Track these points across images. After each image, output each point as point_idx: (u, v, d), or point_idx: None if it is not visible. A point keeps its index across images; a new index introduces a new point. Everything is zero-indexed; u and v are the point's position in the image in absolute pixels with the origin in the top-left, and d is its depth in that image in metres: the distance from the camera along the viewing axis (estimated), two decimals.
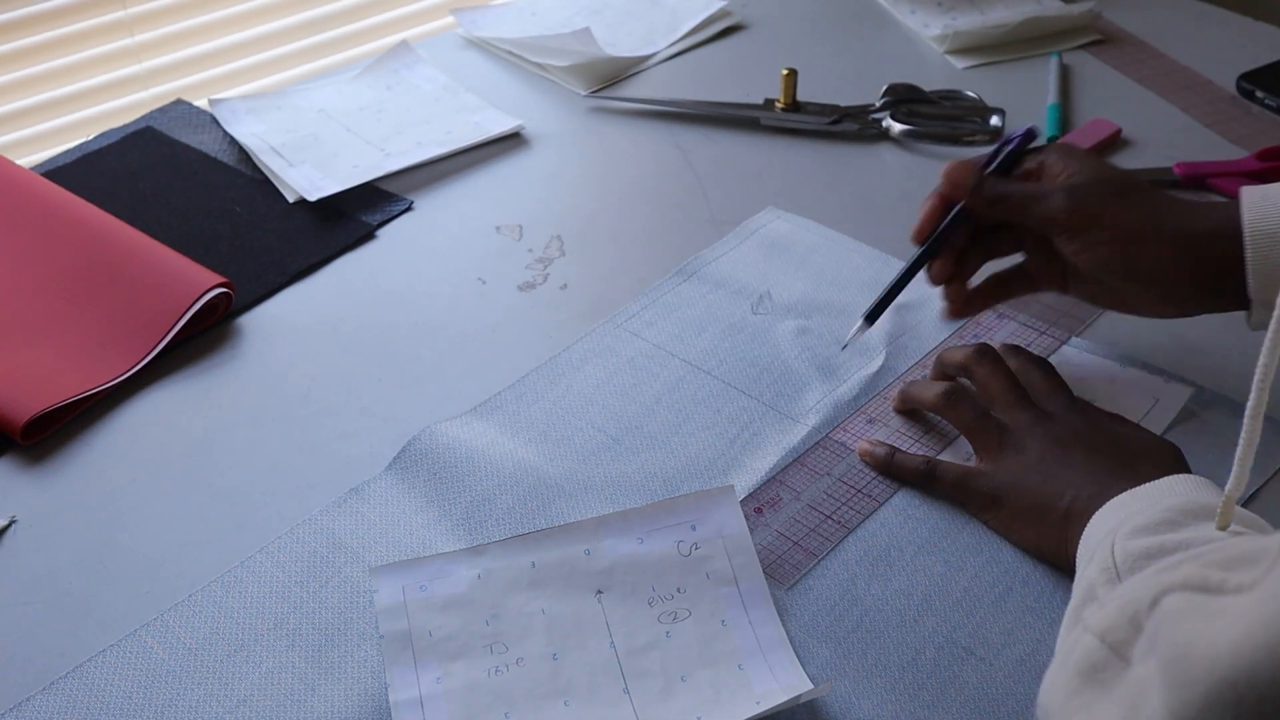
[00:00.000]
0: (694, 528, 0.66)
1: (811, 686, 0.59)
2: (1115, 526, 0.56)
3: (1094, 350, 0.79)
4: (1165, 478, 0.60)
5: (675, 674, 0.61)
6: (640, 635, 0.62)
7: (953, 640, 0.63)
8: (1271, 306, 0.64)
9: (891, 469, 0.71)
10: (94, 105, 1.38)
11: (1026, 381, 0.71)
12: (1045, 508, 0.65)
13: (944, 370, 0.75)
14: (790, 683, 0.60)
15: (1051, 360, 0.77)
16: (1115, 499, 0.60)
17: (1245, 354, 0.79)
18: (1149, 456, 0.65)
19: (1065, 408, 0.69)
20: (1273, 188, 0.69)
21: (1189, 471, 0.64)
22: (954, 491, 0.69)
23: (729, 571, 0.64)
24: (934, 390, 0.72)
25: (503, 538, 0.66)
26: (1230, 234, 0.68)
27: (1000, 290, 0.78)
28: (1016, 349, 0.74)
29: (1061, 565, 0.64)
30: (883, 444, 0.72)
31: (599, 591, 0.64)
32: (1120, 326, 0.80)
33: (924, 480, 0.70)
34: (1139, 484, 0.60)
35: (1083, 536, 0.60)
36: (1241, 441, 0.49)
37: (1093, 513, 0.61)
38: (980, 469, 0.69)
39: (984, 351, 0.72)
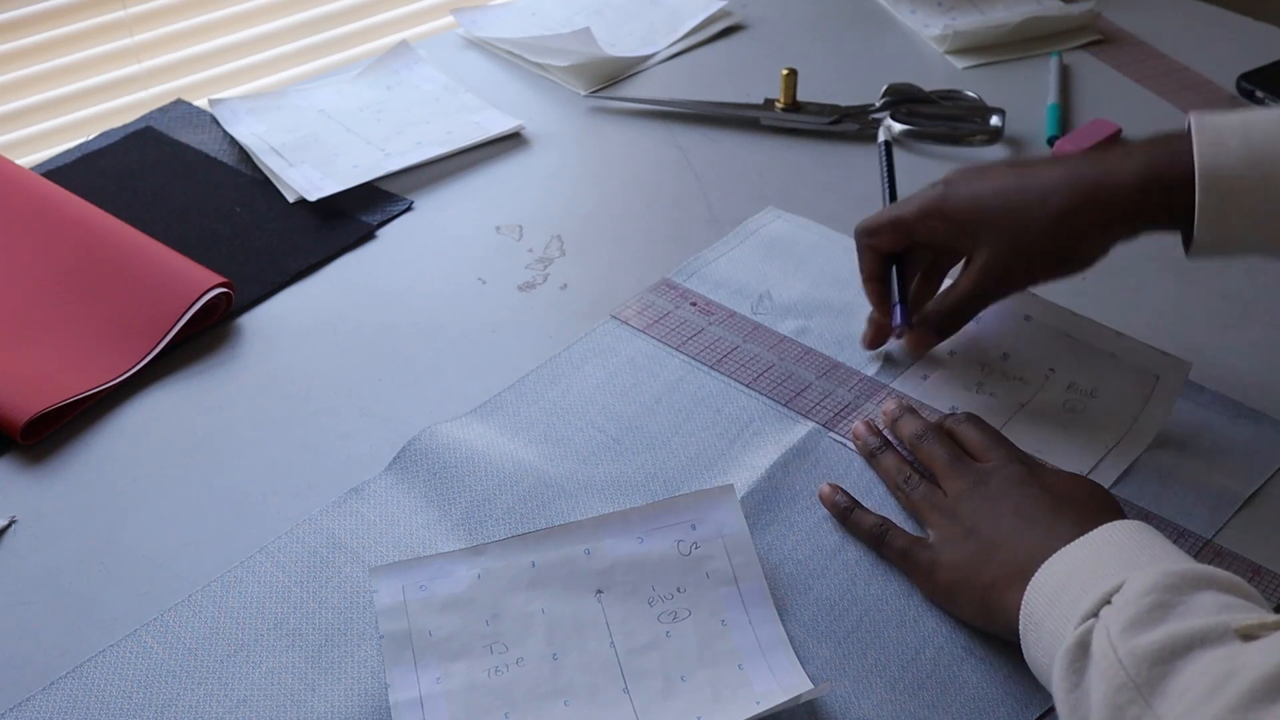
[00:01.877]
0: (694, 527, 0.66)
1: (811, 686, 0.59)
2: (1075, 606, 0.54)
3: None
4: (1099, 528, 0.58)
5: (675, 674, 0.61)
6: (640, 635, 0.62)
7: (953, 640, 0.63)
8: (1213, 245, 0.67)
9: (847, 523, 0.69)
10: (94, 105, 1.38)
11: (964, 440, 0.70)
12: (966, 581, 0.63)
13: (904, 440, 0.72)
14: (790, 683, 0.60)
15: (1050, 341, 0.78)
16: (1050, 563, 0.58)
17: (1246, 354, 0.79)
18: (1080, 505, 0.63)
19: (1004, 459, 0.67)
20: (1219, 117, 0.67)
21: (1122, 515, 0.62)
22: (898, 560, 0.66)
23: (729, 571, 0.64)
24: (891, 474, 0.70)
25: (503, 538, 0.66)
26: (1144, 185, 0.67)
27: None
28: (956, 415, 0.72)
29: (991, 632, 0.63)
30: (844, 493, 0.69)
31: (599, 591, 0.64)
32: (1119, 325, 0.80)
33: (874, 542, 0.67)
34: (1069, 535, 0.58)
35: (1024, 605, 0.58)
36: None
37: (1024, 578, 0.58)
38: (925, 540, 0.66)
39: (923, 431, 0.71)
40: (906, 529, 0.68)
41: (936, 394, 0.76)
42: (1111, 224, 0.69)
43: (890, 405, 0.74)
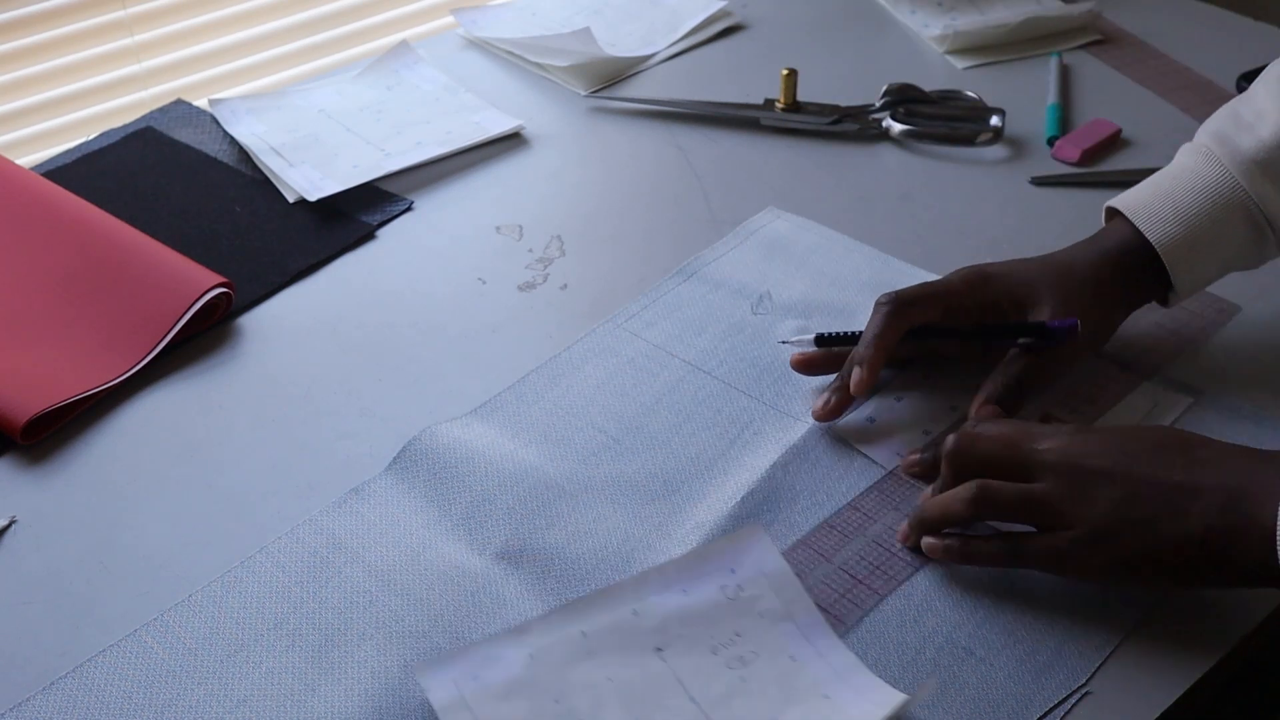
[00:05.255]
0: (733, 571, 0.64)
1: (905, 697, 0.57)
2: None
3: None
4: None
5: (765, 717, 0.58)
6: (715, 685, 0.59)
7: (953, 640, 0.63)
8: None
9: (971, 559, 0.64)
10: (94, 105, 1.37)
11: (998, 433, 0.65)
12: (1164, 524, 0.59)
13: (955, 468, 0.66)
14: (882, 699, 0.58)
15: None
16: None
17: (1246, 355, 0.79)
18: (1177, 434, 0.64)
19: (1069, 429, 0.64)
20: (1141, 198, 0.76)
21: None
22: (1049, 561, 0.62)
23: (781, 608, 0.62)
24: (959, 499, 0.63)
25: (542, 614, 0.63)
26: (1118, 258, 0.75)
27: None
28: (984, 420, 0.68)
29: (1199, 581, 0.60)
30: (952, 534, 0.65)
31: (658, 649, 0.61)
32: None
33: (1010, 558, 0.63)
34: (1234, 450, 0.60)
35: None
36: None
37: (1244, 494, 0.58)
38: (1064, 533, 0.61)
39: (962, 439, 0.65)
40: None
41: (913, 413, 0.75)
42: (1131, 288, 0.76)
43: (912, 458, 0.70)
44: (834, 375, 0.75)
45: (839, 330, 0.77)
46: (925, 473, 0.70)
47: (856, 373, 0.72)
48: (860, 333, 0.74)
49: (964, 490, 0.63)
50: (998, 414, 0.70)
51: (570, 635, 0.61)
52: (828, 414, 0.73)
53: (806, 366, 0.76)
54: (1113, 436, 0.63)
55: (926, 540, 0.65)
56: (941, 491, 0.65)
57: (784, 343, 0.78)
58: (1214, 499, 0.59)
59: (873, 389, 0.75)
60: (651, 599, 0.63)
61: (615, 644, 0.61)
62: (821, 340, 0.76)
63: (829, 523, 0.69)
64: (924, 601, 0.64)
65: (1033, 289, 0.74)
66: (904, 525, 0.67)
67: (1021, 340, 0.74)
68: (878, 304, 0.74)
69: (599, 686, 0.60)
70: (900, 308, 0.73)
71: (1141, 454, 0.61)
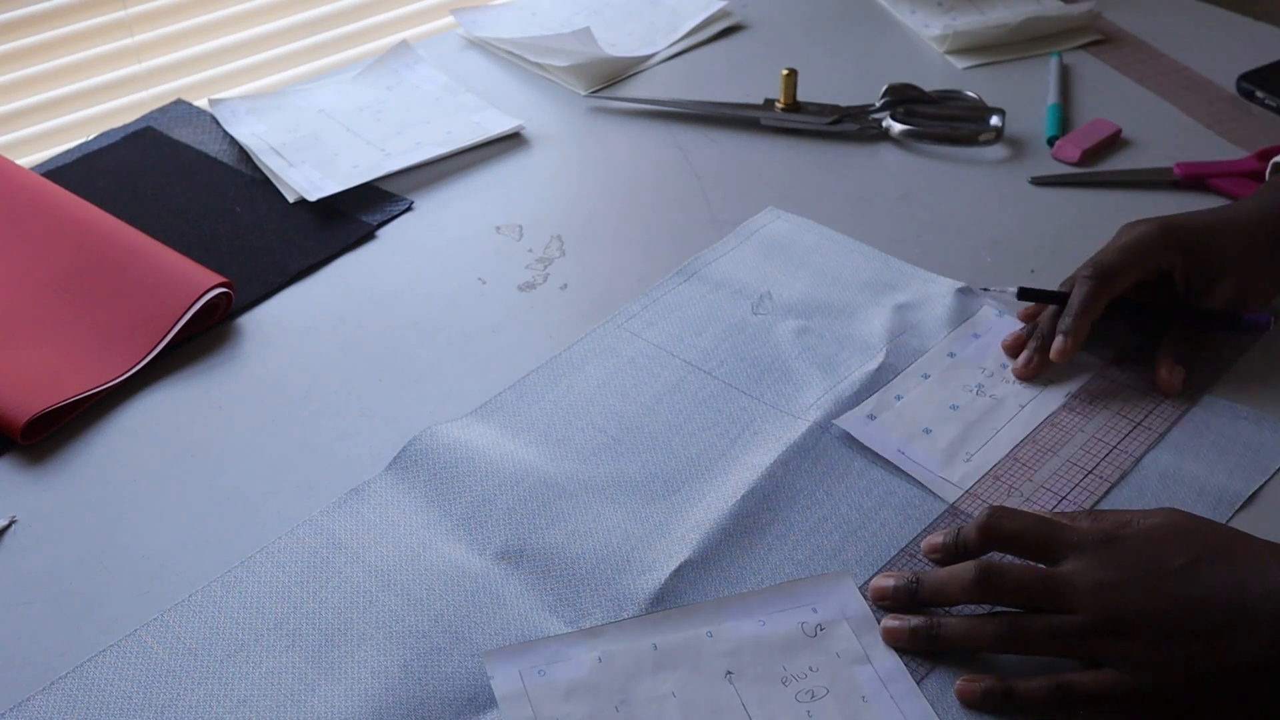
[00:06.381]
0: (815, 610, 0.64)
1: None
2: None
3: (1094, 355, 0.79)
4: None
5: None
6: (781, 717, 0.59)
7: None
8: None
9: (1015, 702, 0.59)
10: (94, 105, 1.38)
11: (1009, 534, 0.62)
12: (1227, 660, 0.56)
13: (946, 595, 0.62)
14: None
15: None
16: None
17: (1246, 356, 0.79)
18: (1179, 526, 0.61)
19: (1082, 527, 0.61)
20: None
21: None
22: (1107, 707, 0.57)
23: (859, 650, 0.62)
24: (980, 633, 0.61)
25: (619, 619, 0.63)
26: None
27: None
28: (985, 526, 0.63)
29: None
30: (988, 676, 0.60)
31: (729, 673, 0.61)
32: (1121, 330, 0.80)
33: (1057, 702, 0.58)
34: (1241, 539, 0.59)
35: None
36: None
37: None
38: (1109, 675, 0.57)
39: (983, 572, 0.61)
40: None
41: (913, 410, 0.75)
42: None
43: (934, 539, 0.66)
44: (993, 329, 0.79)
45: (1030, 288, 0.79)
46: (946, 560, 0.65)
47: (1060, 341, 0.75)
48: (1061, 290, 0.78)
49: (992, 625, 0.60)
50: (1182, 376, 0.75)
51: (642, 645, 0.62)
52: (1030, 373, 0.76)
53: (1016, 342, 0.78)
54: (1141, 549, 0.59)
55: (960, 685, 0.60)
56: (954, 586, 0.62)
57: (984, 290, 0.82)
58: (1267, 623, 0.56)
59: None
60: (728, 624, 0.63)
61: (686, 661, 0.61)
62: (1024, 293, 0.79)
63: (829, 522, 0.69)
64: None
65: (1220, 258, 0.76)
66: (887, 582, 0.64)
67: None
68: (1081, 275, 0.76)
69: (663, 700, 0.60)
70: (1106, 280, 0.76)
71: (1174, 571, 0.58)
